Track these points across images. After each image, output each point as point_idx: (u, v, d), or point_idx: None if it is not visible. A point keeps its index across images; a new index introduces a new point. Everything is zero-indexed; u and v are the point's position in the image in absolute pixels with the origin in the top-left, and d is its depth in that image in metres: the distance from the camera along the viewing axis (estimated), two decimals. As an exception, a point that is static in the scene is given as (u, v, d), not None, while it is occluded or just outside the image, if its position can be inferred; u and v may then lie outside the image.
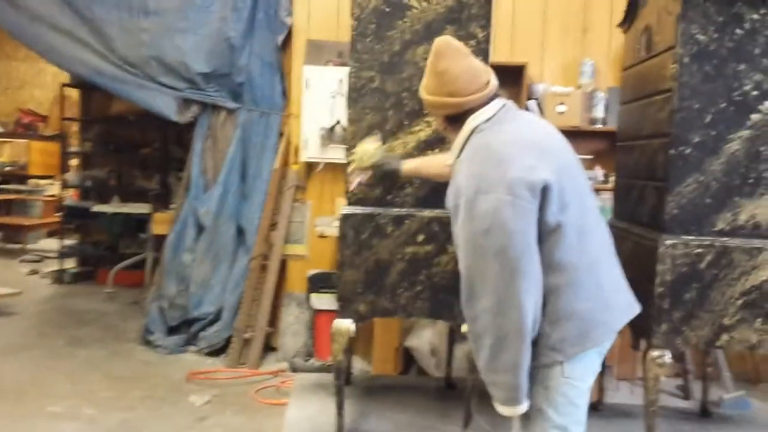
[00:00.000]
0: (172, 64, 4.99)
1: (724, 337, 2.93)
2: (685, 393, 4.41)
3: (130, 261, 6.84)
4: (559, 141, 2.12)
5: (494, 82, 2.11)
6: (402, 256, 3.02)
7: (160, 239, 5.88)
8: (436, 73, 2.08)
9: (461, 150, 2.08)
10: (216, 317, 5.11)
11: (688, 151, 2.91)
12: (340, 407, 3.07)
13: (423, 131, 3.01)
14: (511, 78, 4.68)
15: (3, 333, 5.39)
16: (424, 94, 2.15)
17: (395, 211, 3.03)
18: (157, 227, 6.02)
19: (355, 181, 2.93)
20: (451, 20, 2.97)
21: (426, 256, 3.02)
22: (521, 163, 1.91)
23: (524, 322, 1.87)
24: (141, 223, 6.79)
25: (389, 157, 2.89)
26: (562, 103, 4.65)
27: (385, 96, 3.01)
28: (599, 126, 4.76)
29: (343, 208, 3.06)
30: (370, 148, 2.86)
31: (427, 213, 3.00)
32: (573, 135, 4.66)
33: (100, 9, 4.96)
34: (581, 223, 1.99)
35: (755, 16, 2.87)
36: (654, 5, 3.27)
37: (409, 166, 2.82)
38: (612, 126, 4.68)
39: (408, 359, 4.67)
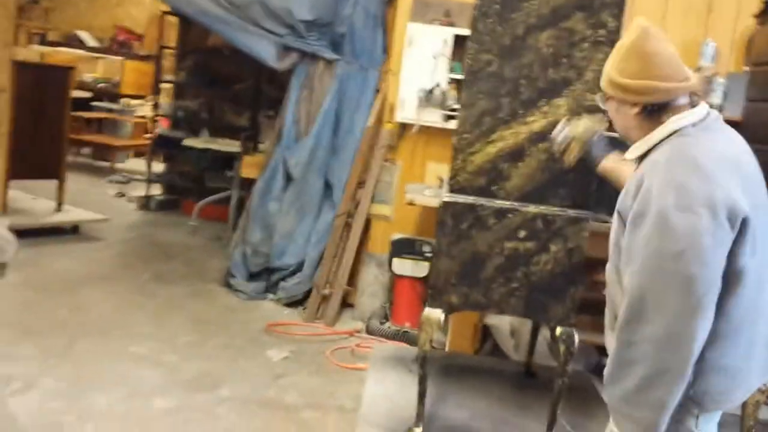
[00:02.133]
0: (276, 9, 4.89)
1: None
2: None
3: (215, 197, 6.92)
4: (758, 170, 1.86)
5: (694, 78, 1.86)
6: (501, 250, 2.90)
7: (247, 179, 5.91)
8: (644, 53, 1.80)
9: (651, 148, 1.84)
10: (297, 269, 5.13)
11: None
12: (422, 396, 3.02)
13: (537, 122, 2.85)
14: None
15: (89, 261, 5.54)
16: (619, 79, 1.84)
17: (498, 203, 2.89)
18: (245, 170, 6.03)
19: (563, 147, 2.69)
20: (581, 6, 2.76)
21: (526, 253, 2.89)
22: (728, 186, 1.68)
23: (690, 362, 1.67)
24: (229, 159, 6.82)
25: (601, 143, 2.62)
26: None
27: (502, 81, 2.84)
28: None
29: (445, 195, 2.94)
30: (593, 126, 2.64)
31: (532, 209, 2.86)
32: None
33: (210, -53, 4.87)
34: (762, 272, 1.76)
35: None
36: (806, 2, 2.97)
37: (609, 164, 2.54)
38: (729, 115, 4.37)
39: (485, 334, 4.60)
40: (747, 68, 4.36)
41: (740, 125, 3.62)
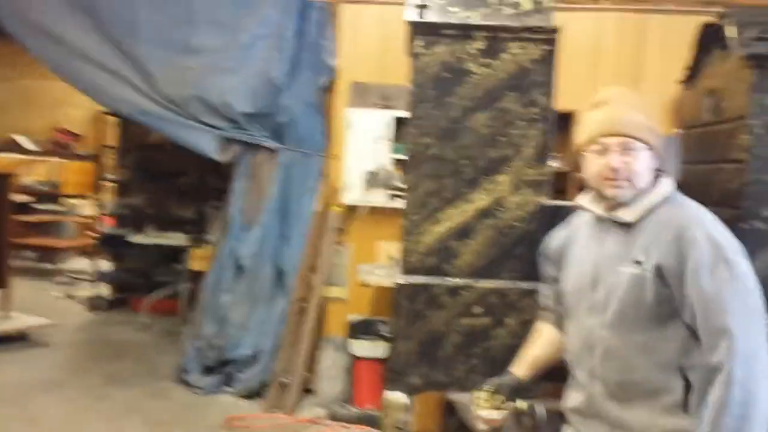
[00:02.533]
0: (215, 104, 4.95)
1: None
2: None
3: (164, 291, 6.81)
4: None
5: None
6: (458, 327, 2.93)
7: (196, 272, 5.85)
8: (644, 106, 1.97)
9: (650, 210, 1.90)
10: (253, 360, 5.05)
11: (760, 225, 2.79)
12: (390, 484, 2.97)
13: (482, 199, 2.92)
14: (561, 126, 4.55)
15: (39, 367, 5.36)
16: (646, 120, 1.93)
17: (451, 281, 2.93)
18: (194, 263, 5.97)
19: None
20: (512, 87, 2.88)
21: (483, 329, 2.92)
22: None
23: None
24: (177, 252, 6.75)
25: (506, 390, 2.29)
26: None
27: (444, 163, 2.92)
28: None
29: (398, 277, 2.96)
30: (494, 413, 2.27)
31: (485, 284, 2.91)
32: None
33: (145, 47, 4.93)
34: None
35: (834, 87, 2.74)
36: (721, 68, 3.15)
37: (521, 371, 2.32)
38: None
39: (450, 410, 4.55)
40: (677, 131, 4.56)
41: (678, 186, 3.75)
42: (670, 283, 1.81)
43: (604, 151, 1.91)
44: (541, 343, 2.32)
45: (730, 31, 2.95)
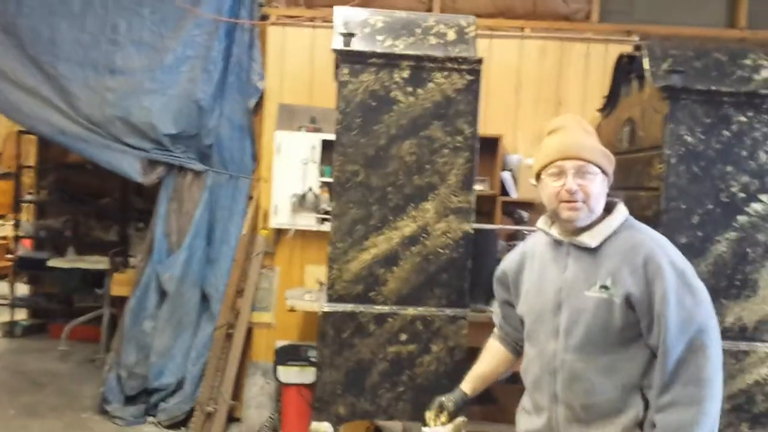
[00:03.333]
0: (138, 125, 4.83)
1: (711, 443, 2.88)
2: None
3: (85, 318, 6.57)
4: None
5: None
6: (384, 355, 2.92)
7: (118, 297, 5.67)
8: (592, 132, 2.05)
9: (610, 235, 1.97)
10: (177, 388, 4.91)
11: (675, 252, 2.88)
12: None
13: (408, 226, 2.93)
14: (486, 150, 4.62)
15: (-51, 400, 5.10)
16: (600, 146, 2.01)
17: (377, 308, 2.93)
18: (116, 288, 5.79)
19: None
20: (438, 116, 2.91)
21: (409, 356, 2.93)
22: None
23: None
24: (98, 277, 6.53)
25: (453, 406, 2.32)
26: (536, 175, 4.61)
27: (370, 190, 2.93)
28: (573, 200, 4.74)
29: (324, 305, 2.94)
30: (440, 429, 2.33)
31: (411, 311, 2.92)
32: (545, 208, 4.67)
33: (65, 66, 4.79)
34: None
35: (742, 119, 2.88)
36: (638, 99, 3.26)
37: (469, 386, 2.36)
38: (586, 200, 4.67)
39: (378, 435, 4.54)
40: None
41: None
42: (637, 309, 1.87)
43: (561, 174, 1.96)
44: (489, 360, 2.37)
45: (646, 63, 3.06)
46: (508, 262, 2.26)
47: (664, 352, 1.81)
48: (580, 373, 1.94)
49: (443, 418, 2.30)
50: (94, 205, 7.35)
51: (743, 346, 2.89)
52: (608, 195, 2.01)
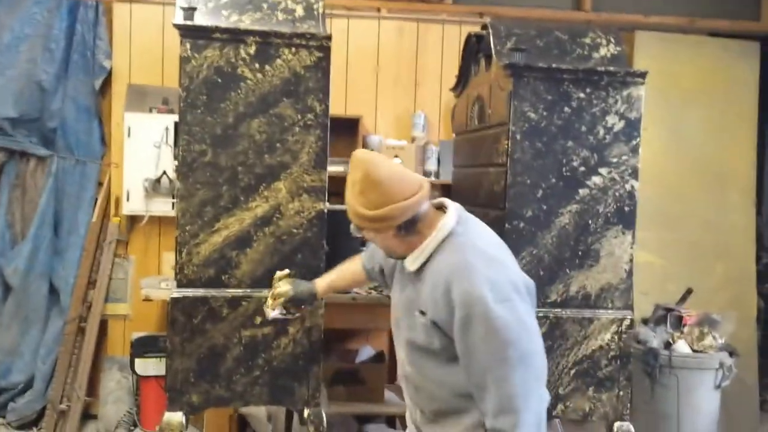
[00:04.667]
0: (-26, 108, 4.49)
1: (560, 406, 3.01)
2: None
3: None
4: None
5: (424, 181, 1.95)
6: (239, 339, 2.85)
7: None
8: (379, 182, 1.84)
9: (430, 256, 1.92)
10: (27, 386, 4.63)
11: (522, 225, 2.98)
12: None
13: (260, 207, 2.86)
14: (346, 131, 4.62)
15: None
16: (365, 211, 1.87)
17: (231, 292, 2.85)
18: (-46, 284, 5.35)
19: (271, 316, 2.54)
20: (287, 93, 2.85)
21: (265, 339, 2.87)
22: (514, 266, 1.93)
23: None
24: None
25: (301, 286, 2.55)
26: (396, 156, 4.65)
27: (219, 170, 2.83)
28: (433, 179, 4.82)
29: (173, 290, 2.82)
30: (282, 290, 2.52)
31: (266, 293, 2.83)
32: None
33: None
34: None
35: (581, 95, 2.99)
36: (486, 77, 3.33)
37: (323, 284, 2.56)
38: (444, 179, 4.76)
39: (243, 425, 4.45)
40: (454, 135, 4.79)
41: (451, 189, 3.93)
42: (447, 334, 1.87)
43: None
44: (346, 275, 2.56)
45: (491, 42, 3.12)
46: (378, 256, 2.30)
47: (469, 377, 1.85)
48: (419, 383, 2.02)
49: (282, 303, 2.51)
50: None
51: (587, 313, 3.03)
52: (439, 206, 2.00)
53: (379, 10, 4.96)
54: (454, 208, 1.97)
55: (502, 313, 1.77)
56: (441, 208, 1.99)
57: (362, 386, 4.47)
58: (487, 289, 1.78)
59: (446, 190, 4.59)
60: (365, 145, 4.78)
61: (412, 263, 1.96)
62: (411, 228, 1.90)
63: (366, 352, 4.70)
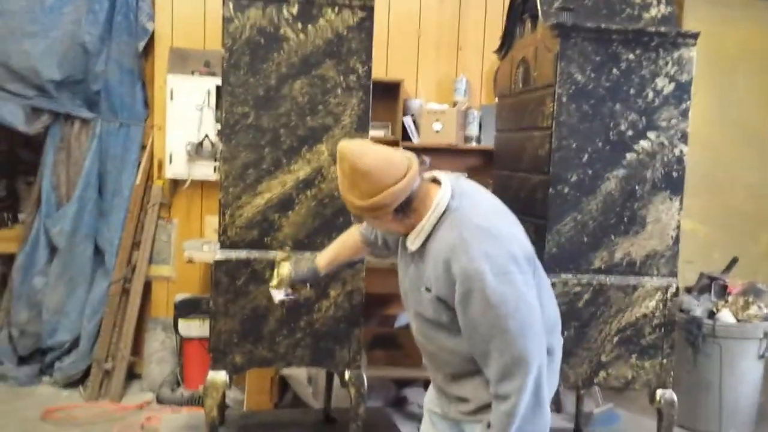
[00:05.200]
0: (20, 70, 4.53)
1: (602, 374, 2.98)
2: (557, 406, 4.51)
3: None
4: None
5: (412, 159, 1.95)
6: (280, 301, 2.85)
7: (5, 254, 5.37)
8: (363, 173, 1.87)
9: (429, 234, 1.95)
10: (73, 346, 4.73)
11: (566, 190, 2.93)
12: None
13: (302, 170, 2.86)
14: (387, 95, 4.58)
15: None
16: (359, 202, 1.91)
17: (273, 254, 2.85)
18: (2, 245, 5.45)
19: (278, 298, 2.57)
20: (330, 53, 2.82)
21: (306, 301, 2.87)
22: (513, 235, 1.94)
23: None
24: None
25: (302, 265, 2.56)
26: (438, 121, 4.61)
27: (261, 133, 2.82)
28: (474, 144, 4.77)
29: (216, 252, 2.85)
30: (284, 272, 2.54)
31: (308, 256, 2.84)
32: (448, 153, 4.69)
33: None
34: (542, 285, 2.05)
35: (631, 56, 2.91)
36: (531, 39, 3.26)
37: (324, 260, 2.55)
38: (485, 144, 4.70)
39: (284, 386, 4.51)
40: (497, 100, 4.71)
41: (493, 154, 3.88)
42: (453, 308, 1.92)
43: None
44: (345, 247, 2.55)
45: (538, 2, 3.05)
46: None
47: (471, 347, 1.92)
48: (432, 351, 2.09)
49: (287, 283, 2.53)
50: (-24, 159, 6.90)
51: (632, 280, 2.98)
52: (432, 178, 2.00)
53: (419, -29, 4.88)
54: (447, 180, 1.99)
55: (500, 287, 1.82)
56: (435, 182, 2.00)
57: (400, 351, 4.50)
58: (485, 264, 1.82)
59: (488, 156, 4.55)
60: (406, 109, 4.75)
61: (412, 243, 2.00)
62: (407, 208, 1.92)
63: (404, 317, 4.70)
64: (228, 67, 2.78)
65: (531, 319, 1.86)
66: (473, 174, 4.76)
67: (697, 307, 4.29)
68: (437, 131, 4.60)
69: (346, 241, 2.54)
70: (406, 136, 4.68)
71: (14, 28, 4.53)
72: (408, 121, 4.70)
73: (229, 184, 2.82)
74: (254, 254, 2.84)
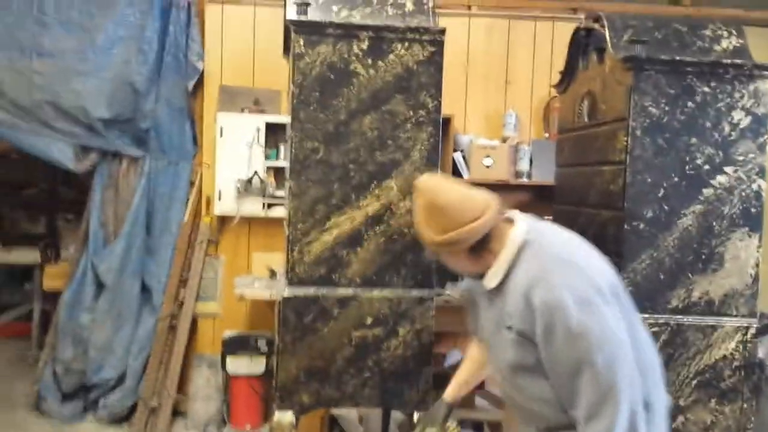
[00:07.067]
0: (69, 109, 4.58)
1: (680, 418, 2.86)
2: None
3: (13, 313, 6.24)
4: None
5: (491, 197, 1.94)
6: (349, 340, 2.79)
7: (50, 291, 5.37)
8: (442, 208, 1.88)
9: (507, 270, 1.91)
10: (118, 383, 4.71)
11: (641, 226, 2.84)
12: None
13: (371, 205, 2.80)
14: (438, 130, 4.54)
15: None
16: (435, 237, 1.90)
17: (341, 291, 2.79)
18: (48, 281, 5.46)
19: None
20: (399, 89, 2.78)
21: (375, 340, 2.80)
22: (596, 267, 1.88)
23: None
24: (27, 271, 6.18)
25: (438, 415, 2.47)
26: (488, 156, 4.56)
27: (331, 168, 2.78)
28: (525, 179, 4.71)
29: (284, 290, 2.79)
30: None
31: (376, 293, 2.79)
32: (499, 188, 4.62)
33: (-13, 48, 4.48)
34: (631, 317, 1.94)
35: (706, 89, 2.84)
36: (598, 71, 3.20)
37: (452, 395, 2.48)
38: (537, 179, 4.64)
39: (332, 424, 4.41)
40: (547, 135, 4.66)
41: (554, 189, 3.81)
42: (536, 344, 1.85)
43: None
44: (468, 366, 2.47)
45: (607, 35, 3.00)
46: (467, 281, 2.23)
47: (558, 387, 1.84)
48: (520, 403, 2.00)
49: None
50: (18, 196, 6.96)
51: (710, 321, 2.87)
52: (507, 219, 1.97)
53: (469, 7, 4.89)
54: (522, 218, 1.97)
55: (584, 318, 1.75)
56: (509, 221, 1.97)
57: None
58: (567, 295, 1.76)
59: (540, 191, 4.49)
60: (456, 145, 4.71)
61: (490, 280, 1.95)
62: (483, 247, 1.91)
63: (454, 356, 4.61)
64: (297, 103, 2.74)
65: (620, 353, 1.76)
66: (526, 210, 4.70)
67: (760, 349, 4.15)
68: (488, 167, 4.55)
69: (468, 367, 2.47)
70: (456, 171, 4.63)
71: (65, 68, 4.60)
72: (458, 156, 4.66)
73: (297, 220, 2.77)
74: (322, 291, 2.78)
